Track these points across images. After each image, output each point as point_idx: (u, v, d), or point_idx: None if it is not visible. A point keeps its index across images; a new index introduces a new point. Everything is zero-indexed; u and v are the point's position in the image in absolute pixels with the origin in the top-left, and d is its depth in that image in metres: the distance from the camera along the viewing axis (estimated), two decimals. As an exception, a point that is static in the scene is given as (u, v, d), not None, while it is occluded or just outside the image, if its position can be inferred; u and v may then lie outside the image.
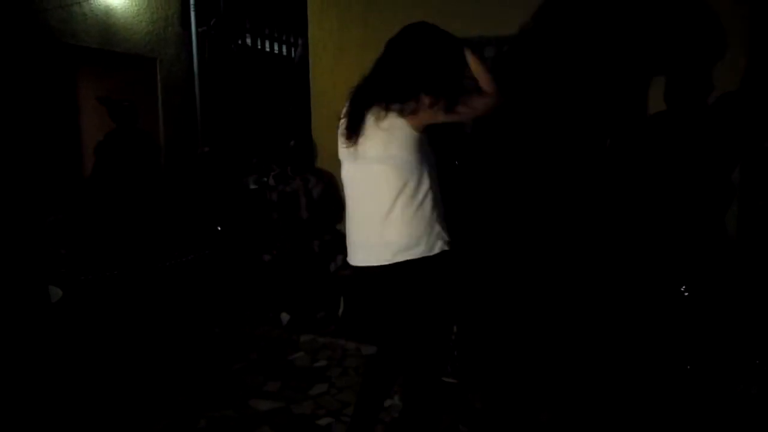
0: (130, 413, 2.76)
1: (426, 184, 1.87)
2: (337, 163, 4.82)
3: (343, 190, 2.09)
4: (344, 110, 2.01)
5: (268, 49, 7.76)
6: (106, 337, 3.60)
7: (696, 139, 2.87)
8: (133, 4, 5.89)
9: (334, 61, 4.29)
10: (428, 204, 1.87)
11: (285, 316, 3.97)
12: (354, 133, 1.91)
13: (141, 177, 4.66)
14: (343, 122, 1.99)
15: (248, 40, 7.41)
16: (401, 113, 1.83)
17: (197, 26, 6.37)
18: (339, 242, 4.34)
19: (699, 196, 2.88)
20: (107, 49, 5.65)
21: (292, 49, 7.97)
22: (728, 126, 2.98)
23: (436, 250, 1.87)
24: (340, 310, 3.98)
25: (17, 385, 2.97)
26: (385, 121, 1.85)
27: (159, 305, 4.10)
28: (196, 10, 6.34)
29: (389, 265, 1.88)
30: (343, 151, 2.00)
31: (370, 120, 1.88)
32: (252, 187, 5.17)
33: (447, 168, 2.91)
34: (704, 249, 2.86)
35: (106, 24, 5.59)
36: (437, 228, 1.88)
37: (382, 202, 1.88)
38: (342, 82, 4.42)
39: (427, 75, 1.87)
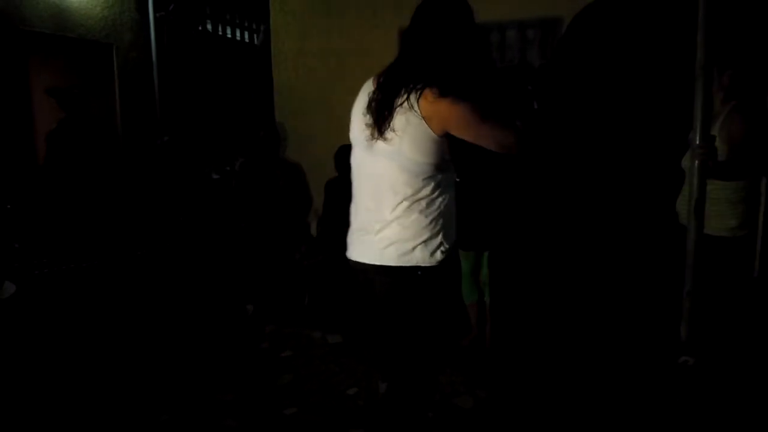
0: (88, 410, 2.68)
1: (435, 191, 1.70)
2: (302, 153, 4.75)
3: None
4: (369, 91, 1.77)
5: (229, 35, 7.62)
6: (62, 333, 3.50)
7: (647, 127, 2.94)
8: (87, -13, 5.68)
9: (297, 46, 4.21)
10: (432, 212, 1.71)
11: (249, 307, 3.93)
12: (379, 121, 1.69)
13: (95, 166, 4.52)
14: (361, 104, 1.78)
15: (209, 26, 7.26)
16: (419, 106, 1.63)
17: (155, 11, 6.17)
18: (304, 233, 4.31)
19: (650, 182, 2.96)
20: (60, 35, 5.44)
21: (254, 36, 7.84)
22: (677, 114, 3.06)
23: (433, 262, 1.72)
24: (306, 300, 3.97)
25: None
26: (404, 114, 1.65)
27: (118, 299, 4.00)
28: (153, -6, 6.15)
29: (381, 266, 1.74)
30: (358, 135, 1.79)
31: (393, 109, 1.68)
32: (214, 176, 5.08)
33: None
34: (654, 231, 2.95)
35: (58, 8, 5.38)
36: (438, 238, 1.73)
37: (384, 202, 1.73)
38: (305, 69, 4.42)
39: (454, 54, 1.67)
